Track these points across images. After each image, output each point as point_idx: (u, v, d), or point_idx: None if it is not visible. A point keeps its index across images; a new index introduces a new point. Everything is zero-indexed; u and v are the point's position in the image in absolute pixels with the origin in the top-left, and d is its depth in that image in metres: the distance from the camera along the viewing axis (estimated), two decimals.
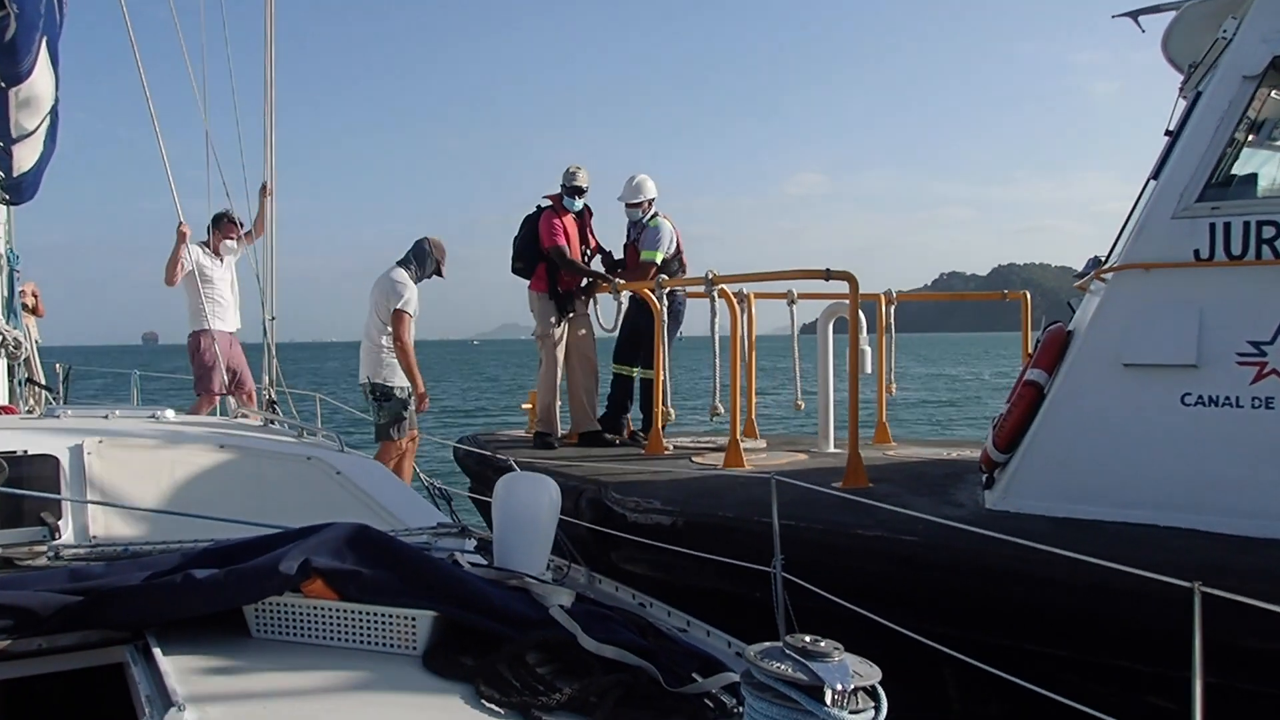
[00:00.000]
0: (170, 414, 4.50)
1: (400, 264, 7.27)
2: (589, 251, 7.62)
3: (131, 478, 3.60)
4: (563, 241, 7.29)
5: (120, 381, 9.05)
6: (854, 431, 5.41)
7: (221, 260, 8.15)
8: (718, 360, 6.45)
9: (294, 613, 2.41)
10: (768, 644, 1.76)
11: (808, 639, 1.71)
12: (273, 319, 7.04)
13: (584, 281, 7.53)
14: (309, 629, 2.41)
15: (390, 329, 7.06)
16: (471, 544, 3.42)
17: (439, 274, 7.49)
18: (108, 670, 2.42)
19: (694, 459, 6.51)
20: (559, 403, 7.54)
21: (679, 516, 4.85)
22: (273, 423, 5.19)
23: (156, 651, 2.25)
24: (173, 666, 2.18)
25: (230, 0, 6.10)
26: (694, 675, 2.28)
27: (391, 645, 2.37)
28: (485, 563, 3.02)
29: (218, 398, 7.79)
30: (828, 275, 5.85)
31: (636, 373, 7.65)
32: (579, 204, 7.45)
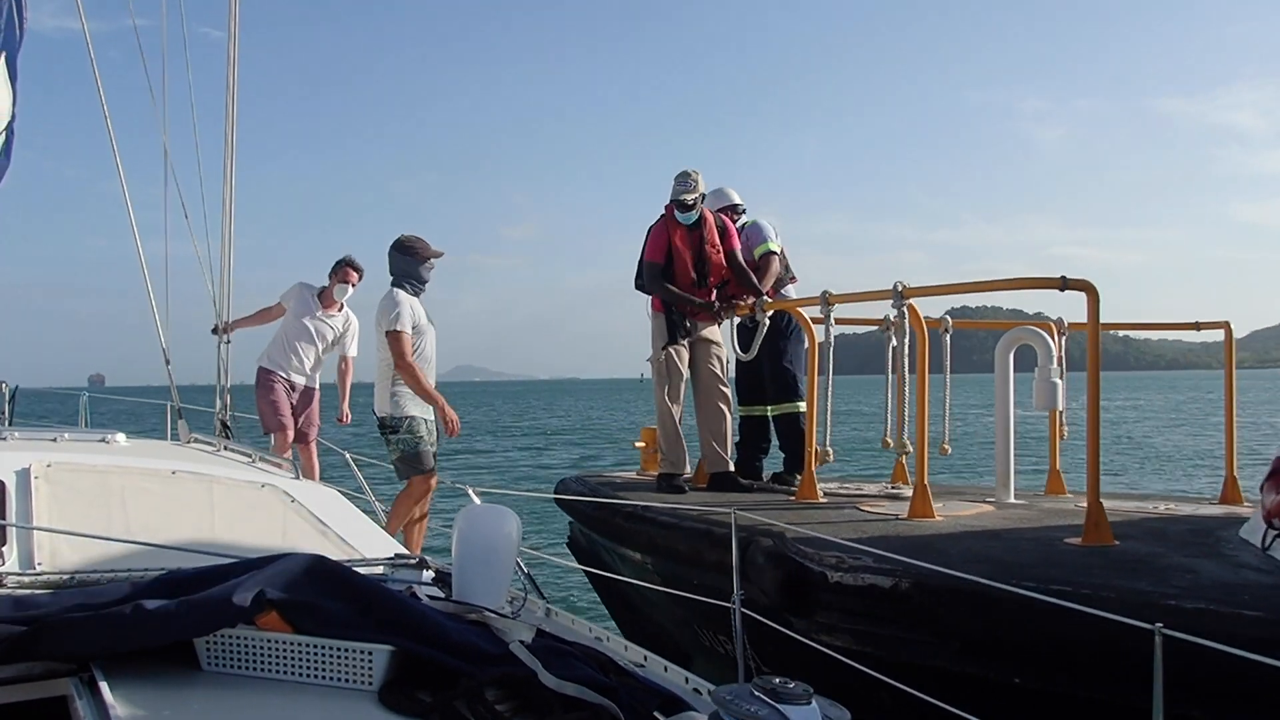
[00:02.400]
0: (121, 438, 4.41)
1: (393, 284, 6.63)
2: (709, 270, 6.54)
3: (80, 503, 3.50)
4: (660, 258, 6.45)
5: (69, 415, 8.87)
6: (1094, 476, 4.53)
7: (330, 309, 7.93)
8: (906, 389, 5.50)
9: (247, 646, 2.34)
10: (735, 685, 1.74)
11: (777, 680, 1.69)
12: (228, 342, 6.96)
13: (715, 301, 6.57)
14: (262, 663, 2.34)
15: (389, 354, 6.41)
16: (430, 576, 3.37)
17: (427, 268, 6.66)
18: (51, 704, 2.35)
19: (862, 507, 5.55)
20: (683, 438, 6.61)
21: (902, 577, 3.87)
22: (227, 448, 5.10)
23: (103, 685, 2.18)
24: (119, 701, 2.11)
25: (194, 40, 6.06)
26: (655, 713, 2.25)
27: (347, 680, 2.31)
28: (444, 595, 2.98)
29: (289, 434, 7.75)
30: (1064, 284, 4.74)
31: (770, 410, 6.82)
32: (692, 216, 6.45)
